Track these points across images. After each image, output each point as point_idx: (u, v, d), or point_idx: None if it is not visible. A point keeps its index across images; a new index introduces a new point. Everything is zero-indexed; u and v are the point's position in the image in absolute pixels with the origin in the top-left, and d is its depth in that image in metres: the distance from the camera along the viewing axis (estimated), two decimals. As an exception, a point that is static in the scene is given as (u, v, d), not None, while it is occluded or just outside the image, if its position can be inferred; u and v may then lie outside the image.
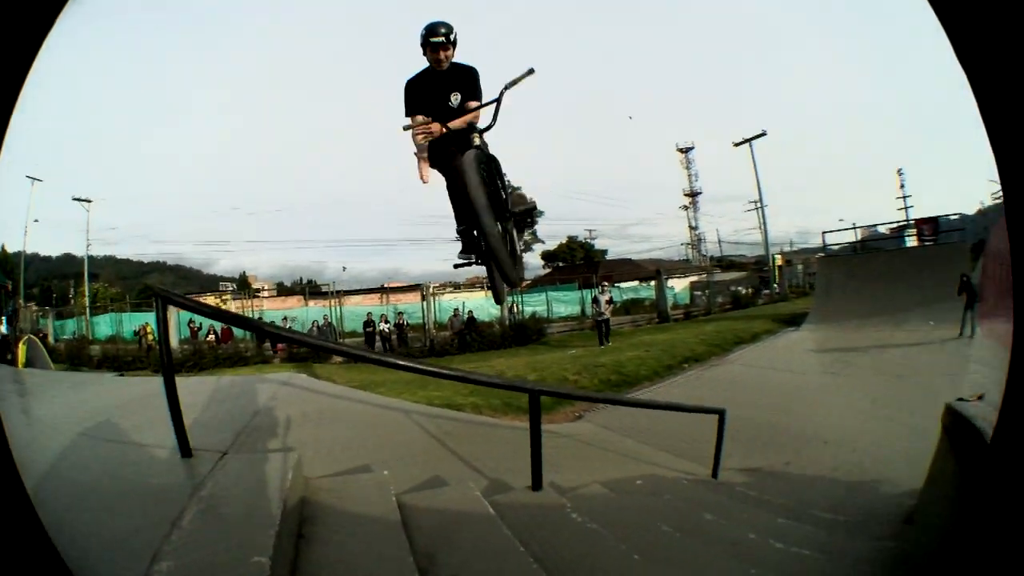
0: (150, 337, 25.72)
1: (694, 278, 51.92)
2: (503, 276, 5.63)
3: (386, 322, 28.20)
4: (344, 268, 61.35)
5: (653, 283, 40.02)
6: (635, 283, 45.89)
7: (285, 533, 3.12)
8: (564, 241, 67.65)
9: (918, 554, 4.48)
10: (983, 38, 1.36)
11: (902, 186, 54.91)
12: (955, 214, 30.05)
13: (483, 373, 10.29)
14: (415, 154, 5.33)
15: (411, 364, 5.96)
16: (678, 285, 48.77)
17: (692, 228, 71.30)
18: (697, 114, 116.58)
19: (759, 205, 49.21)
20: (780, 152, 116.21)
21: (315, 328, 28.36)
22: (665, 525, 5.00)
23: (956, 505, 2.97)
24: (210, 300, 35.83)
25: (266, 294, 46.11)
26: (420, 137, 5.22)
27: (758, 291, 47.78)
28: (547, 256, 67.30)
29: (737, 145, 48.51)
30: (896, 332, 20.19)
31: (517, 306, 33.66)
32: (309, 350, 19.97)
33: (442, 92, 5.37)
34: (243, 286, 52.37)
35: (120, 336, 30.86)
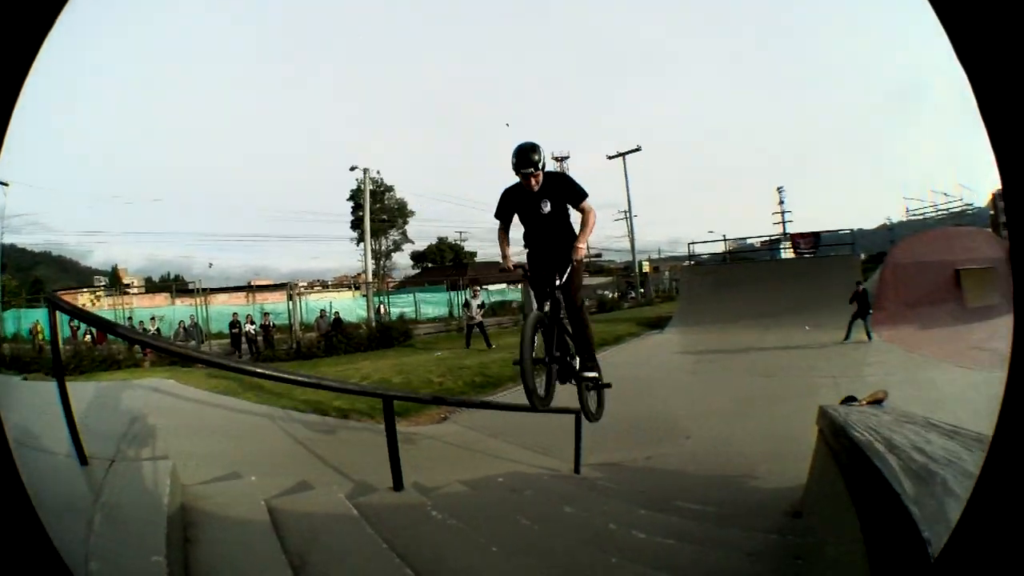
0: (40, 336, 25.11)
1: (561, 281, 52.73)
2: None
3: (252, 323, 27.04)
4: (211, 265, 59.40)
5: (520, 286, 40.35)
6: (503, 286, 46.18)
7: (174, 536, 3.33)
8: (434, 242, 67.70)
9: (806, 544, 4.62)
10: (983, 38, 1.32)
11: (781, 202, 57.64)
12: (846, 230, 31.12)
13: (337, 379, 10.18)
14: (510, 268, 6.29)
15: (267, 371, 5.91)
16: (546, 288, 49.40)
17: (562, 234, 72.67)
18: (576, 125, 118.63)
19: (628, 215, 50.49)
20: (657, 165, 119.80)
21: (182, 329, 27.24)
22: (524, 519, 5.13)
23: (842, 503, 3.03)
24: (85, 297, 35.49)
25: (135, 290, 44.14)
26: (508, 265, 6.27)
27: (624, 295, 48.86)
28: (416, 257, 67.19)
29: (611, 158, 49.64)
30: (765, 336, 20.95)
31: (384, 307, 33.35)
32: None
33: (534, 202, 5.95)
34: (114, 282, 50.13)
35: (21, 334, 29.48)
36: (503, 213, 6.23)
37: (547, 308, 5.88)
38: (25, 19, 1.81)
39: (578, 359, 6.35)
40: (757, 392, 13.34)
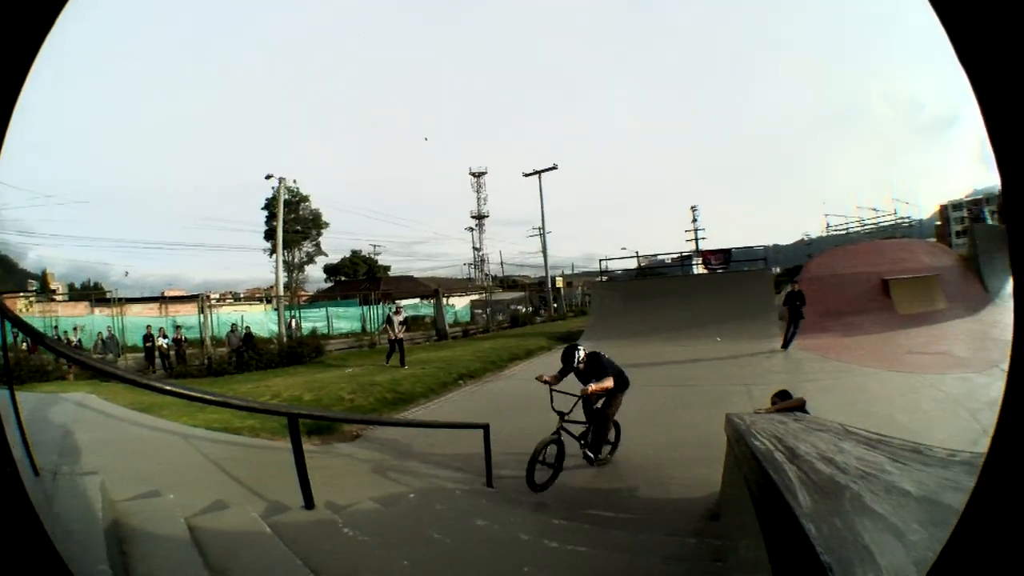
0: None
1: (475, 297, 52.80)
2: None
3: (164, 336, 27.06)
4: (127, 273, 57.79)
5: (433, 301, 40.20)
6: (416, 300, 45.98)
7: (112, 549, 3.44)
8: (348, 255, 67.11)
9: (724, 546, 4.71)
10: (984, 38, 1.33)
11: (694, 220, 59.12)
12: (759, 246, 31.94)
13: (243, 397, 10.07)
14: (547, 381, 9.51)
15: (175, 389, 5.77)
16: (459, 303, 49.47)
17: (476, 249, 73.05)
18: (494, 141, 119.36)
19: (542, 231, 50.93)
20: (573, 183, 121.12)
21: (100, 341, 26.93)
22: (436, 533, 5.19)
23: (750, 509, 3.05)
24: (21, 302, 35.09)
25: (60, 297, 42.75)
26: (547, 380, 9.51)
27: (537, 310, 49.10)
28: (330, 270, 66.39)
29: (527, 176, 49.94)
30: (676, 347, 21.22)
31: (296, 321, 32.84)
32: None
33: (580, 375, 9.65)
34: (44, 288, 48.28)
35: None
36: (565, 371, 9.70)
37: (562, 431, 9.06)
38: (25, 19, 1.83)
39: (590, 438, 9.63)
40: (668, 401, 13.49)
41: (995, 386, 11.80)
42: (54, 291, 46.09)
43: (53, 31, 1.91)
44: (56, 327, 29.35)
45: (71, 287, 54.61)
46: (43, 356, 21.58)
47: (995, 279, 24.87)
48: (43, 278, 55.39)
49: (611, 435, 10.02)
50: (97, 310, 34.47)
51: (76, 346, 26.02)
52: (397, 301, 28.22)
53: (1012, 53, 1.26)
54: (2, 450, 2.18)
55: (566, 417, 9.10)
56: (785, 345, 19.39)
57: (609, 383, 9.24)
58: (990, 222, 37.20)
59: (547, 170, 49.30)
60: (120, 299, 32.93)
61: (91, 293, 42.43)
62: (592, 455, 9.52)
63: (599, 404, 9.58)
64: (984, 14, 1.30)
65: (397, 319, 22.19)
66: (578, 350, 9.67)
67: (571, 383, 9.53)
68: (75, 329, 28.36)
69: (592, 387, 9.08)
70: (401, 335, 21.93)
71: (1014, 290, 1.38)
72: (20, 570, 2.04)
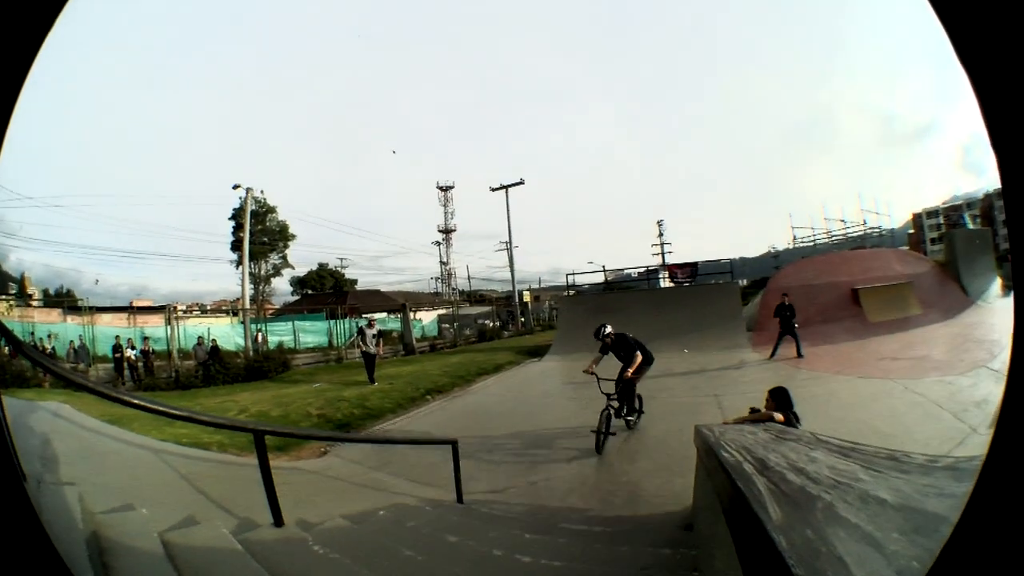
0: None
1: (442, 311, 52.72)
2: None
3: (132, 348, 26.74)
4: (97, 281, 56.59)
5: (400, 315, 40.03)
6: (383, 315, 45.78)
7: (94, 559, 3.49)
8: (315, 268, 66.66)
9: (700, 556, 4.71)
10: (985, 38, 1.33)
11: (661, 235, 59.39)
12: (726, 259, 31.89)
13: (209, 413, 10.02)
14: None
15: (143, 403, 5.66)
16: (427, 317, 49.34)
17: (443, 263, 72.95)
18: (461, 155, 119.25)
19: (509, 245, 50.96)
20: (540, 197, 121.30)
21: (72, 350, 27.21)
22: (408, 550, 5.17)
23: (722, 520, 3.05)
24: (2, 306, 35.27)
25: (36, 303, 42.09)
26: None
27: (505, 324, 49.11)
28: (296, 283, 65.82)
29: (495, 190, 50.03)
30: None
31: (262, 335, 32.59)
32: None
33: (614, 350, 12.35)
34: (22, 292, 47.42)
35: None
36: (603, 350, 12.44)
37: (610, 407, 11.48)
38: (25, 19, 1.84)
39: (625, 410, 12.16)
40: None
41: (981, 387, 12.00)
42: (31, 296, 45.54)
43: (52, 31, 1.90)
44: (33, 333, 29.24)
45: (45, 293, 53.90)
46: (22, 362, 21.34)
47: (975, 282, 25.31)
48: (21, 282, 54.58)
49: (637, 404, 12.64)
50: (69, 318, 33.99)
51: (51, 354, 25.84)
52: (371, 315, 27.74)
53: (1012, 53, 1.26)
54: (5, 456, 2.29)
55: (610, 396, 11.62)
56: (774, 354, 19.30)
57: (639, 358, 11.96)
58: (971, 226, 37.69)
59: (514, 185, 49.47)
60: (91, 307, 33.02)
61: (64, 300, 41.87)
62: (629, 420, 12.25)
63: (628, 374, 11.98)
64: (984, 14, 1.30)
65: (370, 332, 21.45)
66: (604, 327, 12.49)
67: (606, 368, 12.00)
68: (49, 336, 28.50)
69: (629, 371, 11.93)
70: (375, 349, 21.19)
71: (1014, 289, 1.39)
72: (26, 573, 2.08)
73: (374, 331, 21.68)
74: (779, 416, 6.97)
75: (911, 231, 51.47)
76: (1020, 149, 1.28)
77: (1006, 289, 25.43)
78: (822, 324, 20.28)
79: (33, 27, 1.86)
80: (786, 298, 19.55)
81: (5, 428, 4.49)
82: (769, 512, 2.05)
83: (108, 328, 32.55)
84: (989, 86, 1.33)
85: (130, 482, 8.65)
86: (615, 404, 11.73)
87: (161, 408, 5.56)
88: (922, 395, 12.21)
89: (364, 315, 27.63)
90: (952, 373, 13.67)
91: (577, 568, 4.71)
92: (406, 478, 10.14)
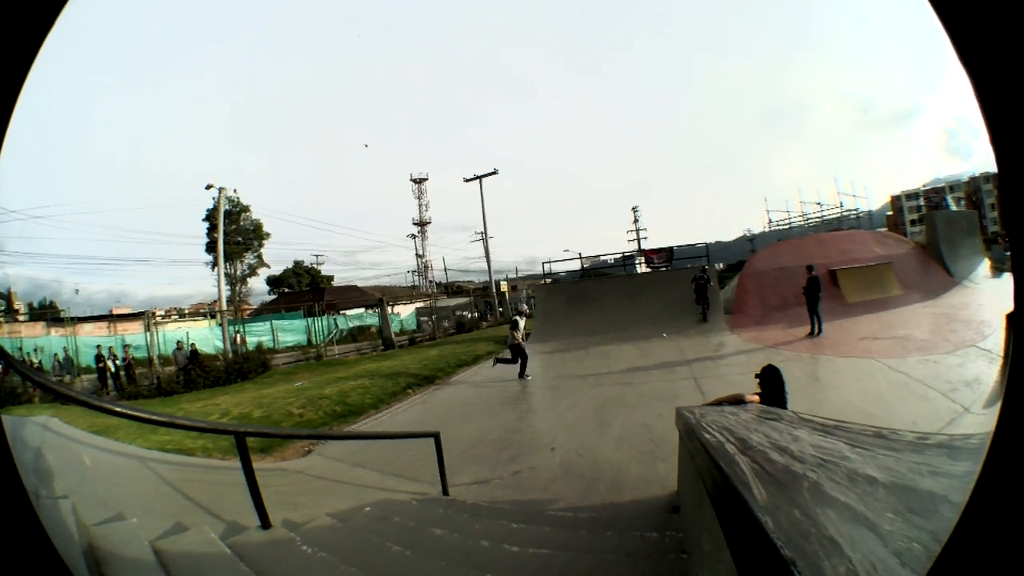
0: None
1: (420, 304, 52.64)
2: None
3: (114, 357, 26.66)
4: (77, 291, 55.97)
5: (378, 310, 39.92)
6: (361, 310, 45.59)
7: (92, 572, 3.59)
8: (291, 266, 66.31)
9: (688, 539, 4.73)
10: (986, 38, 1.31)
11: (636, 221, 59.62)
12: (701, 243, 32.22)
13: (190, 417, 10.04)
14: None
15: (124, 411, 5.62)
16: (404, 311, 49.19)
17: (419, 256, 72.84)
18: (434, 147, 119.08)
19: (484, 236, 50.86)
20: (514, 187, 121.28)
21: (57, 362, 27.61)
22: (396, 545, 5.15)
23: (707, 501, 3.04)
24: None
25: (23, 317, 41.71)
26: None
27: (483, 315, 49.09)
28: (273, 282, 65.49)
29: (468, 181, 49.83)
30: (623, 345, 21.27)
31: (241, 336, 32.45)
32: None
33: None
34: (9, 307, 46.90)
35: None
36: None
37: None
38: (25, 19, 1.79)
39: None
40: (619, 398, 13.54)
41: (970, 366, 11.96)
42: (17, 311, 45.15)
43: (52, 31, 1.86)
44: (21, 348, 29.17)
45: (30, 306, 53.38)
46: (14, 378, 21.32)
47: (959, 263, 25.37)
48: (8, 297, 54.01)
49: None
50: (53, 330, 33.70)
51: (38, 368, 25.96)
52: (520, 299, 26.20)
53: (1012, 52, 1.25)
54: (11, 475, 2.21)
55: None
56: (818, 332, 18.74)
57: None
58: (954, 208, 37.99)
59: (488, 175, 49.19)
60: (72, 318, 32.88)
61: (47, 312, 41.57)
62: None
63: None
64: (984, 14, 1.29)
65: (521, 321, 19.00)
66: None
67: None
68: (35, 351, 28.47)
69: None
70: (521, 340, 18.39)
71: (1014, 289, 1.37)
72: None
73: (523, 321, 19.71)
74: (753, 397, 6.96)
75: (889, 213, 52.04)
76: (1020, 148, 1.27)
77: (995, 271, 25.92)
78: (799, 306, 20.29)
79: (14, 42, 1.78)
80: (811, 272, 19.34)
81: (7, 446, 4.48)
82: (754, 492, 2.03)
83: (90, 338, 32.28)
84: (989, 85, 1.32)
85: (119, 491, 8.59)
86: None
87: (144, 415, 5.58)
88: (906, 374, 12.21)
89: (516, 302, 25.71)
90: (937, 353, 13.67)
91: (565, 556, 4.71)
92: (390, 473, 10.16)
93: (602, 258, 38.76)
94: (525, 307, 19.78)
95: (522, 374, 17.80)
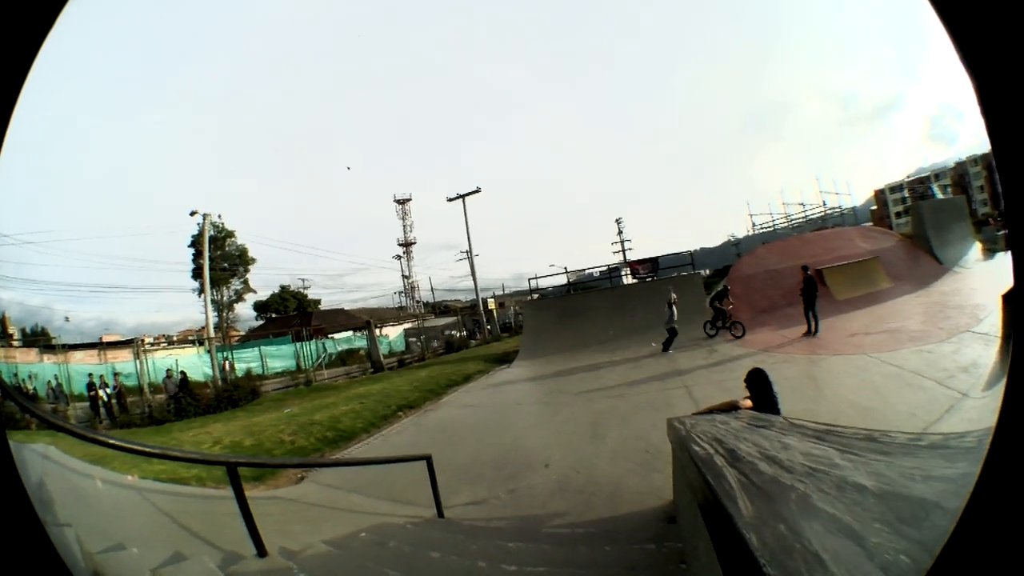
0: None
1: (408, 325, 52.51)
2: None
3: (105, 386, 26.46)
4: (67, 318, 55.50)
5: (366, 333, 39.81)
6: (349, 333, 45.43)
7: None
8: (277, 291, 65.99)
9: (687, 549, 4.71)
10: (987, 38, 1.31)
11: (620, 232, 59.59)
12: (685, 251, 32.41)
13: (181, 448, 10.01)
14: None
15: (118, 443, 5.78)
16: (392, 332, 49.04)
17: (405, 277, 72.60)
18: (417, 168, 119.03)
19: (469, 254, 50.82)
20: (497, 204, 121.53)
21: (50, 390, 26.98)
22: (392, 570, 5.17)
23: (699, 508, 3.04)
24: None
25: (16, 344, 41.49)
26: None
27: (472, 334, 49.03)
28: (259, 307, 65.01)
29: (451, 200, 49.84)
30: (612, 357, 21.36)
31: (230, 362, 32.30)
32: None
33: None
34: (4, 333, 46.52)
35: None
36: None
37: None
38: (25, 19, 1.85)
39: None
40: (611, 411, 13.49)
41: (965, 352, 11.93)
42: (11, 336, 44.95)
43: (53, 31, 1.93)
44: (16, 375, 28.64)
45: (23, 332, 52.99)
46: (11, 405, 21.15)
47: (948, 249, 25.45)
48: (3, 323, 53.53)
49: None
50: (45, 357, 33.46)
51: (32, 395, 25.89)
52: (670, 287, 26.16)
53: (1013, 53, 1.25)
54: (23, 499, 2.28)
55: None
56: (815, 331, 18.66)
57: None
58: (940, 196, 38.14)
59: (471, 193, 49.18)
60: (64, 345, 32.69)
61: (40, 339, 41.38)
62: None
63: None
64: (985, 13, 1.30)
65: (675, 305, 21.32)
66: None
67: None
68: (30, 377, 28.22)
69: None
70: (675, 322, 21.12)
71: (1014, 287, 1.38)
72: None
73: (674, 297, 21.86)
74: (746, 403, 6.93)
75: (874, 207, 52.19)
76: (1020, 149, 1.28)
77: (987, 252, 26.10)
78: (787, 308, 20.32)
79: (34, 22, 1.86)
80: (806, 271, 19.37)
81: (17, 474, 4.50)
82: (740, 508, 2.04)
83: (81, 366, 32.10)
84: (990, 85, 1.33)
85: (118, 520, 8.67)
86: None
87: (137, 447, 5.56)
88: (899, 367, 12.19)
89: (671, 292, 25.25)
90: (931, 342, 13.62)
91: (563, 573, 4.69)
92: (385, 498, 10.11)
93: (588, 271, 38.84)
94: (674, 295, 20.08)
95: (667, 348, 20.97)
